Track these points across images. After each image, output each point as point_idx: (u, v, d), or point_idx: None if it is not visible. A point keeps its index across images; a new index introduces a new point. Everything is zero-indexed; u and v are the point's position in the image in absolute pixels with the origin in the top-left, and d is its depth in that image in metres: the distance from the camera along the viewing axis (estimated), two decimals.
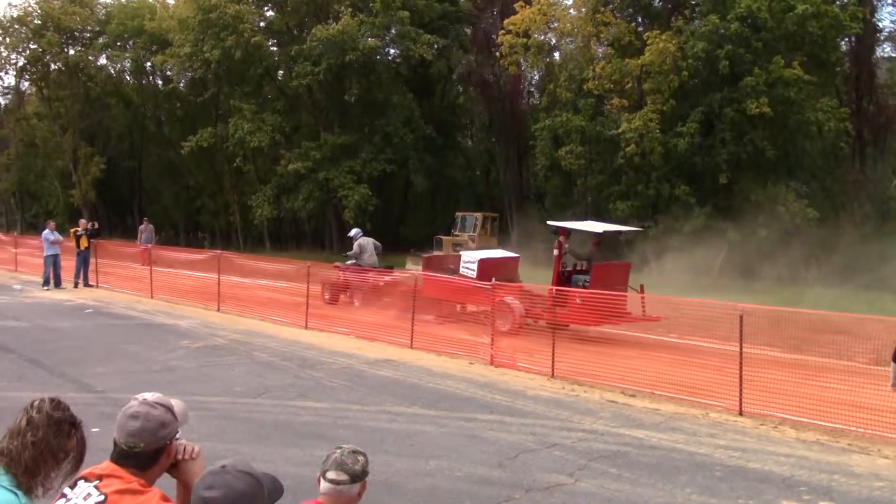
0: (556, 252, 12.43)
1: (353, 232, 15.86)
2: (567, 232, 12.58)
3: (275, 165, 33.46)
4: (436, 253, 23.15)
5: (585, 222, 14.93)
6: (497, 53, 29.05)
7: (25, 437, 1.98)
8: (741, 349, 7.72)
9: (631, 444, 6.42)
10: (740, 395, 7.55)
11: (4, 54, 41.32)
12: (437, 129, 34.02)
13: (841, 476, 5.73)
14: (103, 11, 42.29)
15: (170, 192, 44.93)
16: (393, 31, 32.33)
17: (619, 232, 15.08)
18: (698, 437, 6.76)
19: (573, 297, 10.43)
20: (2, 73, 43.87)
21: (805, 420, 7.12)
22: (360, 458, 2.23)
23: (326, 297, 14.57)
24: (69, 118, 42.60)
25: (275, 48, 35.44)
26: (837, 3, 24.58)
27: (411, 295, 11.44)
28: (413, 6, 31.44)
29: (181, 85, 39.30)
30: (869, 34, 27.41)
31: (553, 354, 9.29)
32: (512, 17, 27.59)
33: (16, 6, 40.82)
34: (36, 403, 2.04)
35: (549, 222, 14.42)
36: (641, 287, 11.93)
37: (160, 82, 43.30)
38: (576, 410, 7.61)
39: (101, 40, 40.79)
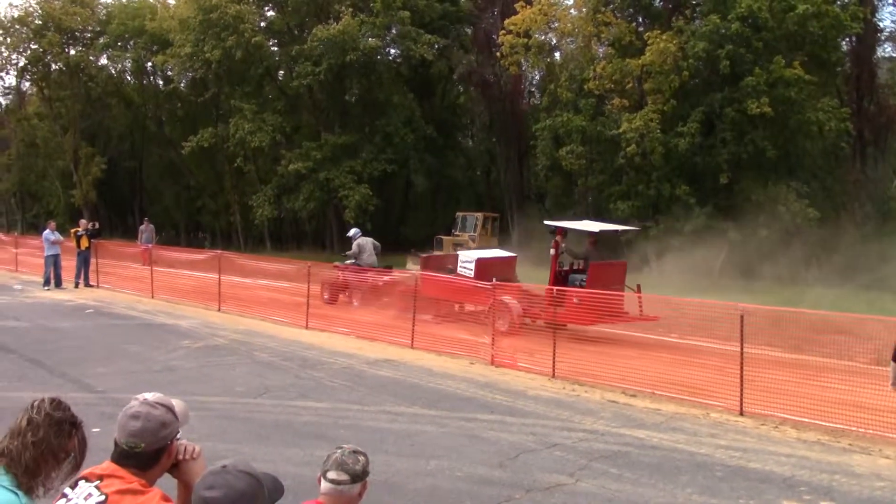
0: (552, 251, 12.45)
1: (352, 232, 15.87)
2: (564, 231, 12.59)
3: (275, 165, 33.43)
4: (434, 253, 23.14)
5: (582, 222, 14.93)
6: (498, 53, 29.03)
7: (26, 437, 1.97)
8: (742, 349, 7.72)
9: (632, 444, 6.42)
10: (741, 395, 7.55)
11: (5, 54, 41.34)
12: (437, 129, 33.99)
13: (842, 476, 5.73)
14: (104, 11, 42.27)
15: (170, 192, 44.94)
16: (393, 31, 32.31)
17: (617, 231, 15.07)
18: (699, 437, 6.76)
19: (570, 296, 10.44)
20: (3, 74, 43.92)
21: (806, 420, 7.12)
22: (361, 458, 2.23)
23: (325, 296, 14.58)
24: (70, 118, 42.59)
25: (275, 48, 35.44)
26: (838, 2, 24.52)
27: (411, 295, 11.45)
28: (414, 6, 31.43)
29: (182, 85, 39.26)
30: (870, 34, 27.37)
31: (554, 354, 9.29)
32: (512, 17, 27.56)
33: (17, 6, 40.97)
34: (36, 403, 2.04)
35: (546, 222, 14.42)
36: (638, 286, 11.93)
37: (161, 82, 43.34)
38: (576, 410, 7.61)
39: (101, 40, 40.75)
